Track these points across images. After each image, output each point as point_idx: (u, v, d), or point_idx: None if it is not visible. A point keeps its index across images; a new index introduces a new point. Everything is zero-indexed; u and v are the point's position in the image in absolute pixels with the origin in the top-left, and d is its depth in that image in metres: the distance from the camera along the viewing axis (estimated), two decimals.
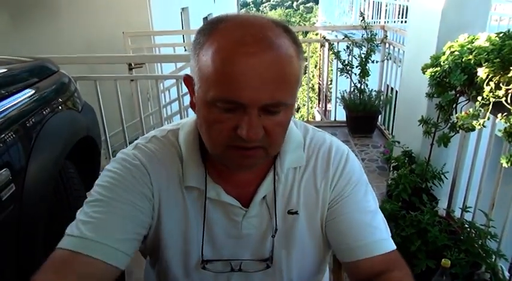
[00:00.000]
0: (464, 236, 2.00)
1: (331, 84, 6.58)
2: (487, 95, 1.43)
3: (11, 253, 1.25)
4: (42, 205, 1.45)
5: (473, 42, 1.76)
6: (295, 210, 0.82)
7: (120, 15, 4.43)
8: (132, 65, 3.76)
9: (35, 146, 1.46)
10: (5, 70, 1.65)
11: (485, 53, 1.48)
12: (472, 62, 1.53)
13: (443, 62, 1.79)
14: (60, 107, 1.78)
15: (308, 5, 44.02)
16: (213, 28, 0.65)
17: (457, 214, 2.32)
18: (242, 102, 0.62)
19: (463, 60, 1.63)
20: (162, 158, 0.79)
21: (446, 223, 2.09)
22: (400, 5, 8.67)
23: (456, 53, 1.70)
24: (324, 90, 5.55)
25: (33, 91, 1.63)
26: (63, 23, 4.50)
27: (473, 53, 1.55)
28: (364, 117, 3.96)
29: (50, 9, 4.49)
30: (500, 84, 1.41)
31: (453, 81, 1.64)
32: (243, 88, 0.61)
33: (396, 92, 3.99)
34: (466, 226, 2.03)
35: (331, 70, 7.33)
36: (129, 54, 3.95)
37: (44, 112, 1.61)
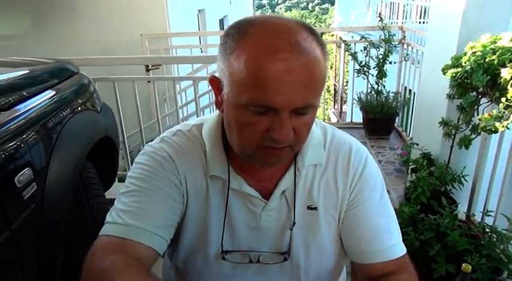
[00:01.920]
0: (486, 241, 1.95)
1: (346, 85, 6.53)
2: (511, 97, 1.39)
3: (32, 251, 1.27)
4: (63, 204, 1.47)
5: (496, 43, 1.72)
6: (314, 206, 0.85)
7: (138, 18, 4.49)
8: (150, 66, 3.81)
9: (56, 146, 1.48)
10: (27, 71, 1.68)
11: (510, 53, 1.44)
12: (495, 62, 1.50)
13: (465, 63, 1.76)
14: (80, 108, 1.80)
15: (324, 6, 43.84)
16: (243, 33, 0.67)
17: (477, 218, 2.27)
18: (276, 107, 0.65)
19: (486, 60, 1.59)
20: (187, 149, 0.83)
21: (467, 227, 2.04)
22: (417, 6, 8.56)
23: (478, 53, 1.67)
24: (340, 91, 5.50)
25: (54, 92, 1.66)
26: (82, 25, 4.58)
27: (497, 53, 1.51)
28: (381, 119, 3.91)
29: (70, 11, 4.57)
30: None
31: (475, 82, 1.61)
32: (277, 93, 0.64)
33: (414, 93, 3.94)
34: (487, 230, 1.99)
35: (347, 71, 7.29)
36: (147, 55, 3.99)
37: (65, 113, 1.64)
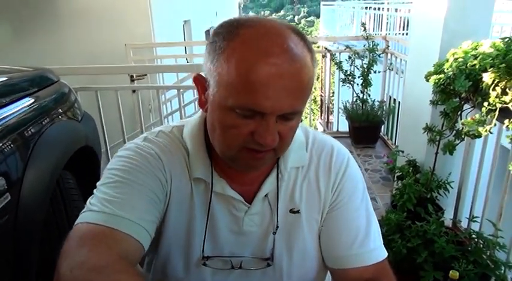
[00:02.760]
0: (472, 247, 1.94)
1: (333, 96, 6.57)
2: (493, 101, 1.40)
3: (5, 263, 1.22)
4: (39, 214, 1.42)
5: (477, 49, 1.74)
6: (297, 209, 0.83)
7: (122, 28, 4.45)
8: (134, 76, 3.77)
9: (32, 155, 1.44)
10: (4, 79, 1.64)
11: (490, 59, 1.45)
12: (477, 67, 1.51)
13: (447, 69, 1.77)
14: (59, 117, 1.76)
15: (309, 19, 44.42)
16: (234, 34, 0.65)
17: (464, 224, 2.27)
18: (264, 111, 0.64)
19: (468, 66, 1.60)
20: (171, 149, 0.80)
21: (453, 234, 2.04)
22: (401, 17, 8.73)
23: (460, 59, 1.68)
24: (326, 102, 5.52)
25: (32, 100, 1.62)
26: (65, 35, 4.51)
27: (478, 59, 1.52)
28: (367, 128, 3.93)
29: (52, 21, 4.51)
30: (507, 90, 1.39)
31: (458, 87, 1.62)
32: (266, 98, 0.63)
33: (399, 102, 3.97)
34: (474, 236, 1.98)
35: (333, 82, 7.34)
36: (130, 65, 3.95)
37: (43, 121, 1.59)
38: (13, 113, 1.44)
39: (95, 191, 0.73)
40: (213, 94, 0.68)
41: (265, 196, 0.82)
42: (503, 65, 1.39)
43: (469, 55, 1.69)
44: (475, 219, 2.06)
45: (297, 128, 0.73)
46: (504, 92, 1.39)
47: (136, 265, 0.70)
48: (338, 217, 0.83)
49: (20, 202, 1.31)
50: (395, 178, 2.72)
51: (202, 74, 0.72)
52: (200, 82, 0.73)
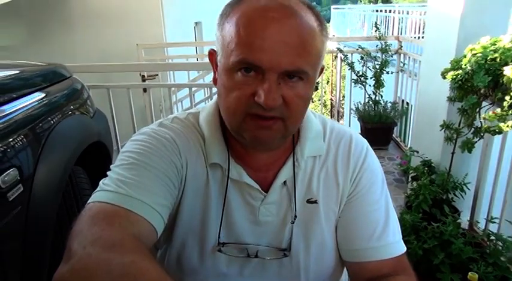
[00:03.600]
0: (491, 249, 1.89)
1: (343, 100, 6.52)
2: None
3: (15, 255, 1.20)
4: (50, 209, 1.41)
5: (495, 44, 1.69)
6: (314, 199, 0.80)
7: (134, 28, 4.47)
8: (146, 76, 3.78)
9: (44, 149, 1.43)
10: (16, 72, 1.64)
11: None
12: (497, 61, 1.46)
13: (465, 65, 1.73)
14: (71, 112, 1.75)
15: None
16: (239, 0, 0.67)
17: (481, 225, 2.21)
18: (262, 65, 0.62)
19: (487, 61, 1.56)
20: (187, 135, 0.78)
21: (471, 235, 1.98)
22: (412, 20, 8.66)
23: (479, 54, 1.64)
24: (337, 106, 5.48)
25: (44, 95, 1.61)
26: (78, 35, 4.55)
27: (499, 52, 1.48)
28: (379, 129, 3.87)
29: (65, 22, 4.55)
30: None
31: (477, 83, 1.57)
32: (264, 51, 0.61)
33: (411, 106, 3.92)
34: (492, 237, 1.93)
35: (344, 86, 7.28)
36: (141, 62, 3.96)
37: (55, 116, 1.59)
38: (25, 106, 1.44)
39: (108, 172, 0.71)
40: (219, 60, 0.68)
41: (282, 185, 0.79)
42: None
43: (488, 50, 1.64)
44: (493, 220, 2.01)
45: (307, 98, 0.69)
46: None
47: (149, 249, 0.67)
48: (356, 208, 0.81)
49: (32, 194, 1.30)
50: (410, 179, 2.67)
51: (214, 48, 0.72)
52: (213, 57, 0.73)
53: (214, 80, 0.74)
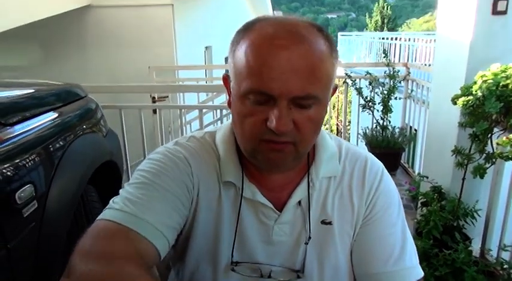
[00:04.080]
0: (505, 278, 1.85)
1: (349, 125, 6.54)
2: None
3: (27, 271, 1.20)
4: (62, 227, 1.41)
5: (506, 71, 1.71)
6: (329, 220, 0.79)
7: (147, 52, 4.57)
8: (156, 98, 3.84)
9: (59, 166, 1.45)
10: (33, 91, 1.67)
11: None
12: (509, 87, 1.48)
13: (476, 91, 1.74)
14: (85, 131, 1.78)
15: None
16: (250, 27, 0.68)
17: (493, 253, 2.17)
18: (272, 93, 0.63)
19: (499, 87, 1.57)
20: (201, 154, 0.79)
21: (483, 263, 1.95)
22: (416, 49, 8.75)
23: (490, 81, 1.65)
24: (343, 131, 5.49)
25: (59, 113, 1.64)
26: (91, 58, 4.66)
27: (510, 79, 1.50)
28: (387, 154, 3.86)
29: (78, 44, 4.67)
30: None
31: (488, 109, 1.58)
32: (274, 79, 0.62)
33: (418, 132, 3.93)
34: (506, 266, 1.89)
35: (350, 111, 7.31)
36: (153, 84, 4.03)
37: (69, 134, 1.61)
38: (41, 124, 1.46)
39: (120, 190, 0.73)
40: (233, 87, 0.69)
41: (297, 204, 0.79)
42: None
43: (499, 77, 1.66)
44: (506, 248, 1.97)
45: (319, 121, 0.70)
46: None
47: (151, 268, 0.68)
48: (372, 231, 0.79)
49: (46, 212, 1.31)
50: (420, 204, 2.65)
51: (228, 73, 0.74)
52: (227, 82, 0.74)
53: (229, 103, 0.75)
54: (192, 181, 0.76)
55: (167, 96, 3.91)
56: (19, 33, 3.64)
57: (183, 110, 3.45)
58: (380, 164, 0.85)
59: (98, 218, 0.67)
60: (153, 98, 3.81)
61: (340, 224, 0.80)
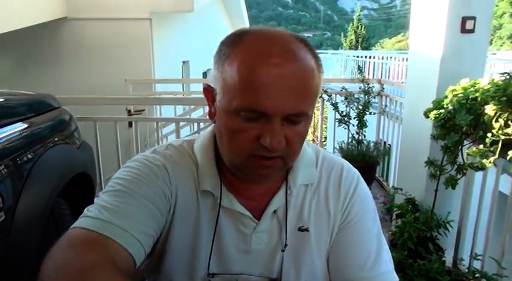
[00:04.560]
0: None
1: (325, 141, 6.61)
2: (497, 133, 1.41)
3: None
4: (31, 239, 1.36)
5: (475, 86, 1.78)
6: (305, 227, 0.79)
7: (123, 65, 4.53)
8: (132, 111, 3.79)
9: (29, 177, 1.40)
10: (1, 100, 1.62)
11: (491, 92, 1.49)
12: (478, 100, 1.54)
13: (447, 105, 1.80)
14: (57, 142, 1.74)
15: None
16: (238, 40, 0.67)
17: (465, 263, 2.22)
18: (266, 111, 0.63)
19: (468, 101, 1.63)
20: (179, 162, 0.78)
21: (456, 273, 1.99)
22: (389, 68, 9.04)
23: (460, 94, 1.72)
24: (319, 145, 5.55)
25: (29, 124, 1.60)
26: (66, 70, 4.58)
27: (479, 91, 1.56)
28: (362, 168, 3.85)
29: (54, 56, 4.59)
30: (509, 122, 1.40)
31: (459, 121, 1.64)
32: (268, 98, 0.62)
33: (392, 147, 4.02)
34: (477, 275, 1.93)
35: (325, 127, 7.41)
36: (129, 96, 3.98)
37: (40, 145, 1.57)
38: (10, 134, 1.42)
39: (95, 199, 0.71)
40: (219, 100, 0.69)
41: (274, 212, 0.79)
42: (504, 98, 1.42)
43: (469, 91, 1.73)
44: (477, 257, 2.02)
45: (306, 135, 0.71)
46: (507, 124, 1.41)
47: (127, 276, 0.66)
48: (348, 237, 0.80)
49: (14, 224, 1.27)
50: (394, 216, 2.69)
51: (211, 84, 0.73)
52: (209, 92, 0.73)
53: (211, 114, 0.74)
54: (170, 188, 0.75)
55: (143, 110, 3.87)
56: None
57: (159, 123, 3.41)
58: (356, 171, 0.86)
59: (71, 227, 0.65)
60: (129, 111, 3.76)
61: (316, 231, 0.80)
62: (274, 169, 0.70)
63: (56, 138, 1.75)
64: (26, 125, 1.58)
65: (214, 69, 0.70)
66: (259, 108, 0.63)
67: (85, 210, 0.69)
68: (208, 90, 0.73)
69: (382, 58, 9.76)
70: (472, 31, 2.30)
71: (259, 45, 0.65)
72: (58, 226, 1.65)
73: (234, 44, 0.67)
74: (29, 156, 1.46)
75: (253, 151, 0.66)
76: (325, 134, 7.05)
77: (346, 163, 0.87)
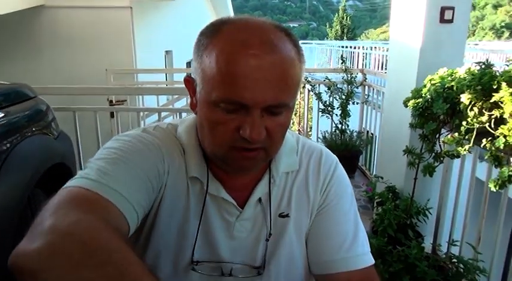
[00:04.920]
0: (453, 272, 1.94)
1: (310, 131, 6.65)
2: (471, 121, 1.43)
3: None
4: (7, 230, 1.34)
5: (452, 75, 1.80)
6: (286, 213, 0.80)
7: (104, 55, 4.43)
8: (114, 101, 3.73)
9: (3, 168, 1.38)
10: None
11: (467, 81, 1.51)
12: (454, 89, 1.56)
13: (425, 94, 1.82)
14: (33, 132, 1.70)
15: None
16: (217, 30, 0.66)
17: (444, 249, 2.27)
18: (246, 103, 0.62)
19: (445, 89, 1.65)
20: (169, 145, 0.77)
21: (434, 258, 2.03)
22: (375, 56, 9.11)
23: (438, 84, 1.74)
24: (304, 136, 5.58)
25: (3, 114, 1.56)
26: (45, 60, 4.46)
27: (455, 81, 1.58)
28: (345, 157, 3.95)
29: (31, 45, 4.46)
30: (483, 110, 1.43)
31: (436, 110, 1.66)
32: (247, 89, 0.62)
33: (376, 136, 4.06)
34: (454, 260, 1.98)
35: (311, 117, 7.44)
36: (109, 86, 3.91)
37: (14, 136, 1.54)
38: None
39: (87, 164, 0.67)
40: (199, 92, 0.68)
41: (257, 201, 0.79)
42: (479, 87, 1.44)
43: (446, 80, 1.75)
44: (454, 243, 2.06)
45: (287, 126, 0.70)
46: (481, 113, 1.43)
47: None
48: (326, 219, 0.81)
49: None
50: (375, 204, 2.73)
51: (192, 75, 0.71)
52: (190, 84, 0.72)
53: (193, 105, 0.73)
54: (163, 166, 0.73)
55: (125, 100, 3.81)
56: None
57: (141, 114, 3.37)
58: (334, 157, 0.87)
59: (69, 185, 0.61)
60: (110, 101, 3.69)
61: (297, 216, 0.81)
62: (256, 160, 0.70)
63: (32, 129, 1.71)
64: (2, 114, 1.54)
65: (193, 60, 0.69)
66: (238, 99, 0.62)
67: (80, 172, 0.65)
68: (189, 82, 0.72)
69: (365, 48, 9.80)
70: (450, 21, 2.33)
71: (238, 35, 0.64)
72: (35, 216, 1.62)
73: (213, 35, 0.65)
74: (2, 147, 1.42)
75: (234, 143, 0.66)
76: (311, 124, 7.09)
77: (325, 148, 0.88)
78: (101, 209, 0.59)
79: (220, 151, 0.69)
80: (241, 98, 0.62)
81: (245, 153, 0.67)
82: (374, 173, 3.83)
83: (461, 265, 1.92)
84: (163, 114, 3.34)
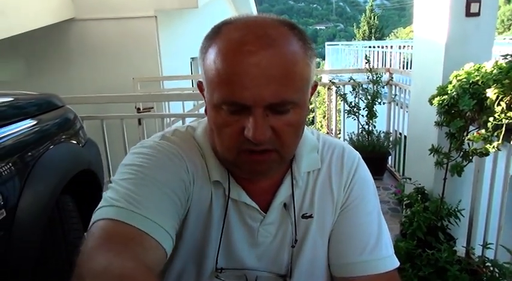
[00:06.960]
0: (487, 276, 1.85)
1: (339, 134, 6.58)
2: (499, 116, 1.37)
3: None
4: (34, 235, 1.38)
5: (479, 70, 1.73)
6: (309, 213, 0.78)
7: (131, 64, 4.55)
8: (141, 109, 3.82)
9: (31, 175, 1.42)
10: (5, 100, 1.66)
11: (493, 75, 1.44)
12: (480, 84, 1.50)
13: (451, 90, 1.76)
14: (61, 140, 1.76)
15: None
16: (216, 32, 0.65)
17: (477, 252, 2.17)
18: (245, 102, 0.60)
19: (471, 85, 1.59)
20: (190, 150, 0.74)
21: (466, 262, 1.95)
22: (401, 54, 8.87)
23: (463, 79, 1.67)
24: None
25: (33, 122, 1.63)
26: (75, 71, 4.63)
27: (481, 75, 1.52)
28: (373, 159, 3.86)
29: (62, 57, 4.65)
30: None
31: (462, 106, 1.60)
32: (245, 88, 0.59)
33: (405, 136, 3.96)
34: (488, 264, 1.89)
35: (339, 120, 7.36)
36: (134, 94, 4.01)
37: (43, 143, 1.59)
38: (13, 133, 1.45)
39: (112, 185, 0.66)
40: (205, 95, 0.66)
41: (281, 204, 0.77)
42: (507, 80, 1.38)
43: (472, 76, 1.68)
44: (488, 246, 1.97)
45: (299, 125, 0.67)
46: (509, 108, 1.36)
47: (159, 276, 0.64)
48: (349, 219, 0.78)
49: (16, 221, 1.29)
50: (404, 206, 2.65)
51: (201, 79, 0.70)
52: (201, 88, 0.70)
53: (206, 111, 0.71)
54: (188, 176, 0.71)
55: (152, 107, 3.89)
56: (0, 47, 3.63)
57: (166, 120, 3.42)
58: (356, 153, 0.84)
59: (100, 217, 0.60)
60: (138, 109, 3.79)
61: (321, 216, 0.78)
62: (269, 163, 0.67)
63: (60, 136, 1.77)
64: (29, 124, 1.60)
65: (199, 64, 0.68)
66: (237, 99, 0.60)
67: (106, 197, 0.64)
68: (201, 87, 0.71)
69: (392, 47, 9.59)
70: (477, 14, 2.24)
71: (234, 34, 0.62)
72: (63, 221, 1.67)
73: (213, 36, 0.64)
74: (31, 154, 1.48)
75: (240, 145, 0.64)
76: (339, 127, 6.99)
77: (346, 144, 0.85)
78: (135, 246, 0.58)
79: (231, 156, 0.66)
80: (240, 98, 0.60)
81: (255, 156, 0.65)
82: (404, 172, 3.72)
83: (497, 269, 1.82)
84: (189, 120, 3.39)
